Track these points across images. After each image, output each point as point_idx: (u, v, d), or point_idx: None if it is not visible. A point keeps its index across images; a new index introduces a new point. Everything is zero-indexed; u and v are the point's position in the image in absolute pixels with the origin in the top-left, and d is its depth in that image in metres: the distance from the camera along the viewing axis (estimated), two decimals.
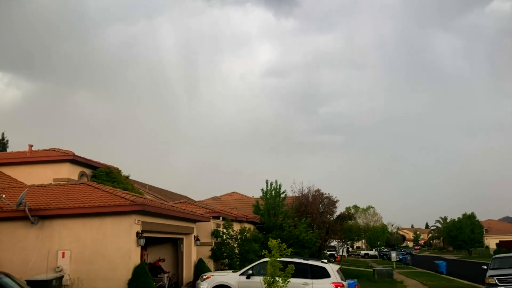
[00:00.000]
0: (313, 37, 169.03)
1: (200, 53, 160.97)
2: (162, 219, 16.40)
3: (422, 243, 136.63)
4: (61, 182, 18.37)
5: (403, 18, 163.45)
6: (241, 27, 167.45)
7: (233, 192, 44.09)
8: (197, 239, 19.73)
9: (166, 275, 18.71)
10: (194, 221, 19.39)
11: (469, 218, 73.90)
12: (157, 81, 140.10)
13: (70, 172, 19.43)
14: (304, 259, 15.10)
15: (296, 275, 11.95)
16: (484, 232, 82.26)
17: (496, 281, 18.04)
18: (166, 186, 42.16)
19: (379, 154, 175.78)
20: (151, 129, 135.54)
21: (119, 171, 21.85)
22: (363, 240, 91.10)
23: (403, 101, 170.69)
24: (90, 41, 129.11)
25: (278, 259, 11.40)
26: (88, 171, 20.83)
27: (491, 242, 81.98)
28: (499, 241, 74.51)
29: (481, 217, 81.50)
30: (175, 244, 19.50)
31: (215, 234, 21.48)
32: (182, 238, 19.09)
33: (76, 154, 19.70)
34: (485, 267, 20.12)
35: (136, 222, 14.30)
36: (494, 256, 22.53)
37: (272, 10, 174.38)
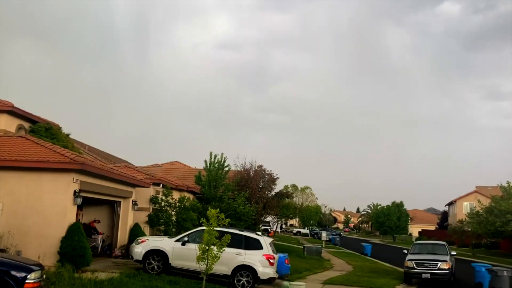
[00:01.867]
0: (269, 15, 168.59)
1: (152, 17, 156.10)
2: (101, 180, 16.26)
3: (352, 226, 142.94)
4: None
5: (358, 7, 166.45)
6: None
7: (175, 162, 43.86)
8: (135, 203, 19.71)
9: (100, 236, 18.66)
10: (133, 185, 19.34)
11: (397, 206, 77.98)
12: (106, 40, 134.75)
13: (7, 124, 18.62)
14: (239, 230, 15.56)
15: (230, 244, 12.37)
16: (410, 221, 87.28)
17: (414, 265, 19.48)
18: (107, 149, 41.30)
19: (322, 137, 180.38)
20: (95, 89, 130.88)
21: (59, 128, 21.24)
22: (297, 218, 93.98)
23: (350, 88, 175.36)
24: None
25: (215, 228, 11.77)
26: (26, 125, 20.06)
27: (415, 230, 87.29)
28: (422, 229, 79.46)
29: (408, 206, 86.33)
30: (112, 207, 19.40)
31: (153, 200, 21.51)
32: (120, 202, 19.03)
33: (15, 106, 18.88)
34: (406, 252, 21.61)
35: (74, 181, 14.15)
36: (414, 242, 24.22)
37: None
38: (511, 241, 41.53)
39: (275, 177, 32.97)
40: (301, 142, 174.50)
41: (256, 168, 32.17)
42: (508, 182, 40.11)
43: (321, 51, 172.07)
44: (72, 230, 13.80)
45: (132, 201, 19.51)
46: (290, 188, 74.37)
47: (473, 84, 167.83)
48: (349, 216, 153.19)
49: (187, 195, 24.75)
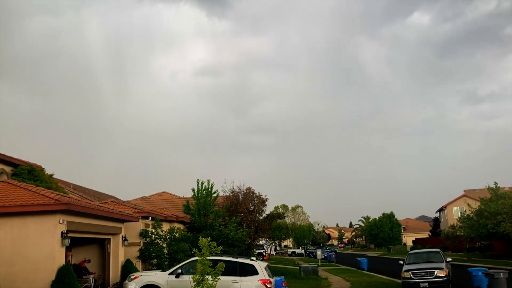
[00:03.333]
0: (246, 38, 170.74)
1: (129, 49, 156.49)
2: (88, 219, 15.98)
3: (346, 241, 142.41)
4: None
5: (332, 25, 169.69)
6: (173, 25, 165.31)
7: (163, 192, 43.51)
8: (125, 239, 19.37)
9: (91, 276, 18.21)
10: (122, 221, 19.04)
11: (389, 217, 78.12)
12: (83, 76, 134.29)
13: None
14: (233, 257, 15.35)
15: (225, 272, 12.14)
16: (402, 230, 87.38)
17: (411, 275, 19.37)
18: (92, 186, 40.80)
19: (308, 155, 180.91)
20: (76, 126, 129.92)
21: (42, 169, 20.95)
22: (291, 239, 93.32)
23: (331, 102, 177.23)
24: (11, 31, 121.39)
25: (208, 257, 11.57)
26: (8, 169, 19.73)
27: (409, 239, 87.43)
28: (415, 238, 79.52)
29: (399, 216, 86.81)
30: (102, 245, 19.02)
31: (143, 234, 21.18)
32: (109, 239, 18.68)
33: None
34: (402, 263, 21.52)
35: (61, 222, 13.87)
36: (409, 252, 24.11)
37: (205, 11, 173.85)
38: (504, 242, 41.71)
39: (265, 199, 32.79)
40: (288, 160, 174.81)
41: (244, 191, 31.99)
42: (495, 183, 40.42)
43: (299, 69, 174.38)
44: (62, 272, 13.45)
45: (122, 237, 19.17)
46: (281, 209, 74.06)
47: (451, 90, 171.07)
48: (342, 231, 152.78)
49: (177, 225, 24.45)
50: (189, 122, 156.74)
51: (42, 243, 13.53)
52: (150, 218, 21.93)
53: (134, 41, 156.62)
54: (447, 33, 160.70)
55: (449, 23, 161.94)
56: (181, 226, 25.91)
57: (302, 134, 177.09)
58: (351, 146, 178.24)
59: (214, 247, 11.52)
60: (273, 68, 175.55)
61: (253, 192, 32.08)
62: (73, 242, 15.63)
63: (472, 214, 41.60)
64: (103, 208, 17.79)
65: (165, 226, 22.92)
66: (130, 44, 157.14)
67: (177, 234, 22.20)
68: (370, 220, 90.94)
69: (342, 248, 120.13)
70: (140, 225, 21.14)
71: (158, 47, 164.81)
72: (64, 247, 14.16)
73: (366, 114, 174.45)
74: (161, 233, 21.76)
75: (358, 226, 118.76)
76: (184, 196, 35.73)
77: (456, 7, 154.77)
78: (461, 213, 55.02)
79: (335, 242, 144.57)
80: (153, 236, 21.41)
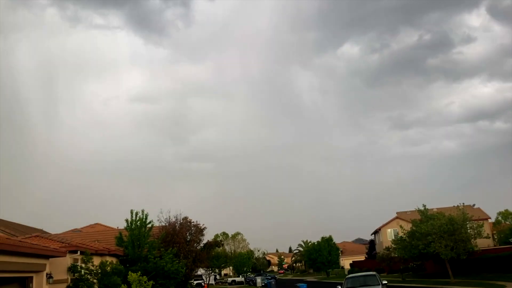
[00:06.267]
0: (183, 66, 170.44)
1: (61, 76, 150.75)
2: (7, 256, 14.64)
3: (286, 267, 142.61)
4: None
5: (267, 55, 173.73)
6: (108, 52, 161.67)
7: (96, 224, 41.60)
8: (49, 276, 17.96)
9: None
10: (46, 257, 17.69)
11: (327, 241, 79.26)
12: (11, 104, 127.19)
13: None
14: None
15: None
16: (340, 254, 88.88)
17: None
18: (20, 219, 38.12)
19: (246, 181, 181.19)
20: (2, 156, 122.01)
21: None
22: (231, 267, 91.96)
23: (270, 130, 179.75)
24: None
25: None
26: None
27: (346, 262, 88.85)
28: (353, 261, 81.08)
29: (337, 239, 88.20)
30: (23, 284, 17.50)
31: (72, 269, 19.86)
32: (32, 277, 17.22)
33: None
34: (340, 287, 21.63)
35: None
36: (347, 276, 24.35)
37: (142, 39, 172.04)
38: (435, 262, 43.35)
39: (202, 228, 32.13)
40: (227, 187, 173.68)
41: (181, 221, 31.17)
42: (424, 205, 42.22)
43: (237, 96, 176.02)
44: None
45: (47, 274, 17.77)
46: (221, 237, 73.12)
47: (380, 117, 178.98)
48: (282, 257, 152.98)
49: (109, 259, 23.19)
50: (125, 150, 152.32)
51: None
52: (78, 252, 20.67)
53: (66, 67, 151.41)
54: (375, 64, 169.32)
55: (376, 54, 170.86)
56: (114, 260, 24.60)
57: (241, 160, 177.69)
58: (288, 171, 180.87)
59: (145, 282, 10.91)
60: (211, 95, 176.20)
61: (190, 222, 31.34)
62: None
63: (404, 236, 42.97)
64: (24, 243, 16.44)
65: (97, 260, 21.65)
66: (62, 71, 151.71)
67: (108, 268, 20.99)
68: (309, 244, 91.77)
69: (282, 274, 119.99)
70: (68, 260, 19.81)
71: (91, 74, 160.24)
72: None
73: (301, 140, 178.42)
74: (91, 267, 20.51)
75: (297, 251, 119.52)
76: (118, 228, 34.24)
77: (383, 40, 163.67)
78: (394, 235, 56.80)
79: (275, 268, 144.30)
80: (83, 271, 20.13)
